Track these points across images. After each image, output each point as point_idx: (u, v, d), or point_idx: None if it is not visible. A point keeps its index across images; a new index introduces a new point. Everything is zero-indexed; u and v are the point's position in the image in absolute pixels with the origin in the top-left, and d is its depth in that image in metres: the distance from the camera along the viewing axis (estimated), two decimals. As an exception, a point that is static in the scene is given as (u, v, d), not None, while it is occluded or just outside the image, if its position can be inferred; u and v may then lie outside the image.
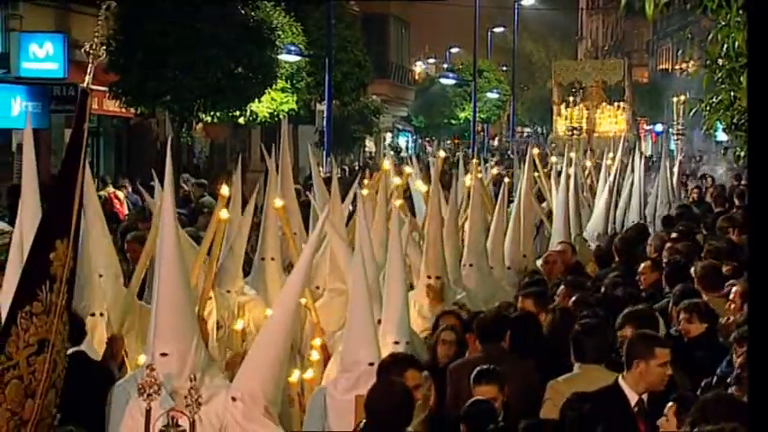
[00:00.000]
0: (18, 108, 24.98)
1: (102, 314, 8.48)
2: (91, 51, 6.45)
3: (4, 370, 5.98)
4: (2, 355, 6.00)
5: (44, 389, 6.06)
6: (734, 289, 8.95)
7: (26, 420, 6.04)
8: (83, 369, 7.30)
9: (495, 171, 19.88)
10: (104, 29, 6.64)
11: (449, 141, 56.87)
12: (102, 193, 21.41)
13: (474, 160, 17.84)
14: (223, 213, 8.54)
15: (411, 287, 9.86)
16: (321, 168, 23.79)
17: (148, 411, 6.31)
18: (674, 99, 39.88)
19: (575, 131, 47.74)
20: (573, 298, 9.12)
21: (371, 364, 6.85)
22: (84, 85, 6.42)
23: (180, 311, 6.69)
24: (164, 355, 6.51)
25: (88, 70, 6.43)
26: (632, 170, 19.01)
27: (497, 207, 11.99)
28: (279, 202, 9.28)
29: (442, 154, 15.78)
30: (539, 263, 12.15)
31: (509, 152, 47.95)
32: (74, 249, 6.22)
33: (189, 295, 6.98)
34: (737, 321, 8.37)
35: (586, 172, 19.33)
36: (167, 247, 6.75)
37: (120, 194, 23.80)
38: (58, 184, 6.42)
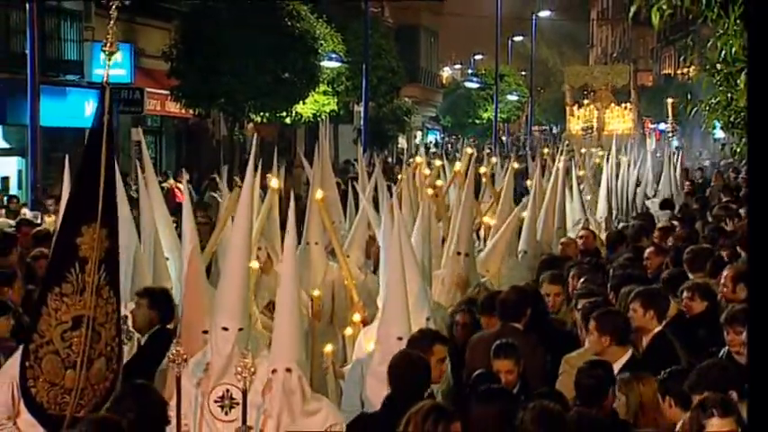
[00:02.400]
0: (90, 110, 25.08)
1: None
2: (104, 50, 6.31)
3: (38, 346, 5.96)
4: (35, 334, 5.97)
5: (85, 360, 5.98)
6: (724, 273, 8.71)
7: (69, 389, 6.00)
8: (160, 344, 7.28)
9: (515, 165, 19.72)
10: (116, 27, 6.40)
11: (472, 138, 56.63)
12: (164, 185, 21.49)
13: (492, 159, 17.75)
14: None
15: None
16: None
17: (179, 379, 6.25)
18: (668, 100, 39.49)
19: (588, 131, 47.52)
20: (581, 279, 9.03)
21: (400, 339, 6.77)
22: (104, 80, 6.29)
23: (247, 288, 6.62)
24: (241, 329, 6.39)
25: (105, 67, 6.28)
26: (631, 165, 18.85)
27: (503, 194, 11.88)
28: (319, 194, 9.25)
29: (469, 150, 15.70)
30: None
31: (527, 148, 47.70)
32: (110, 233, 6.05)
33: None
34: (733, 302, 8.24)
35: (607, 166, 19.12)
36: (242, 230, 6.61)
37: (182, 186, 23.85)
38: (80, 174, 6.23)
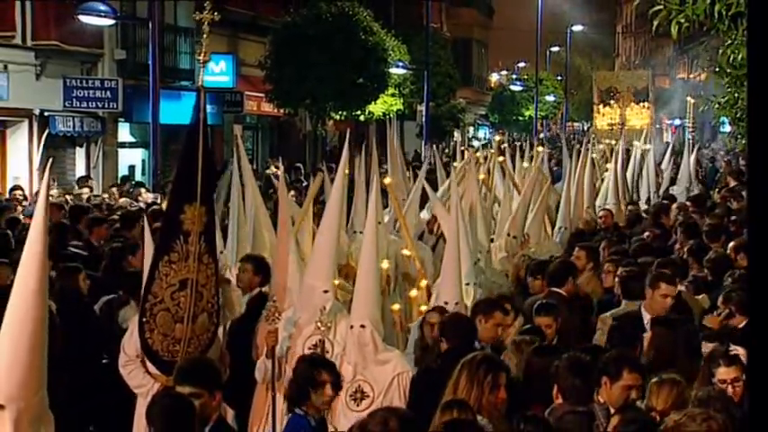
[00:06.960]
0: (200, 110, 25.26)
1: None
2: (198, 58, 6.40)
3: (152, 305, 6.03)
4: (150, 295, 6.04)
5: (191, 315, 6.03)
6: (730, 245, 8.80)
7: (179, 339, 6.07)
8: (260, 304, 7.33)
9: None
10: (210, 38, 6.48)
11: (515, 133, 56.15)
12: (267, 171, 21.62)
13: (540, 148, 17.55)
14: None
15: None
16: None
17: (270, 332, 6.28)
18: (690, 100, 38.71)
19: (613, 126, 47.05)
20: (611, 249, 9.03)
21: (446, 303, 6.70)
22: (199, 84, 6.36)
23: (336, 258, 6.61)
24: (326, 291, 6.42)
25: (200, 72, 6.37)
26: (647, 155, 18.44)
27: (530, 180, 11.71)
28: (387, 180, 9.27)
29: (497, 138, 15.59)
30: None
31: (561, 141, 47.17)
32: (207, 210, 6.06)
33: None
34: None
35: (636, 154, 18.71)
36: (334, 206, 6.61)
37: (279, 173, 23.92)
38: (181, 163, 6.26)
